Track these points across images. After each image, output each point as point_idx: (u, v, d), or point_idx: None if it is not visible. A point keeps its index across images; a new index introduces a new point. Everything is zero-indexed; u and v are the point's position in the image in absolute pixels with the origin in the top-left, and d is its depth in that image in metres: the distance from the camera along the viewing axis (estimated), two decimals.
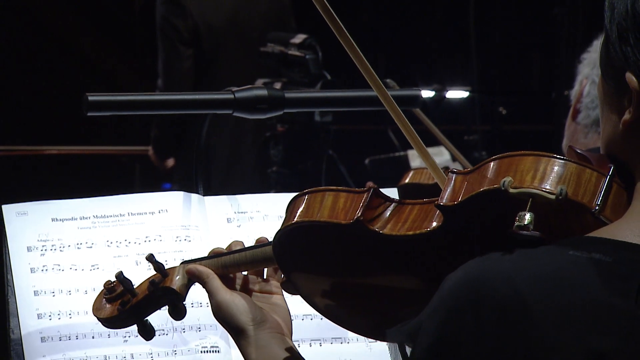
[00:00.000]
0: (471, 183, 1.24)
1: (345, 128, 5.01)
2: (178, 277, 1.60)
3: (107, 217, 1.81)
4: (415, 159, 4.16)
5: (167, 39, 4.23)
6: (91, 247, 1.78)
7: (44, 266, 1.76)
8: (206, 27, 4.24)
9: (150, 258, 1.61)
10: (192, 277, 1.59)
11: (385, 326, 1.44)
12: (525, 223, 1.15)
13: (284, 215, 1.47)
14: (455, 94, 4.46)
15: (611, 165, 1.21)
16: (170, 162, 4.34)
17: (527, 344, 1.08)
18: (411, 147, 4.47)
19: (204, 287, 1.58)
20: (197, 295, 1.73)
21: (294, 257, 1.45)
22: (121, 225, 1.81)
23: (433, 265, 1.33)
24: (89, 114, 1.80)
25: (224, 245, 1.82)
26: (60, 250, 1.78)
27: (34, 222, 1.78)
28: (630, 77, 1.19)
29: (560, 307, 1.09)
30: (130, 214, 1.81)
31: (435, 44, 6.58)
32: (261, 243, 1.59)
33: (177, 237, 1.80)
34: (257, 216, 1.84)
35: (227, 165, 4.29)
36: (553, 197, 1.16)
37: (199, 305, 1.75)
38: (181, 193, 1.83)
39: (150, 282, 1.59)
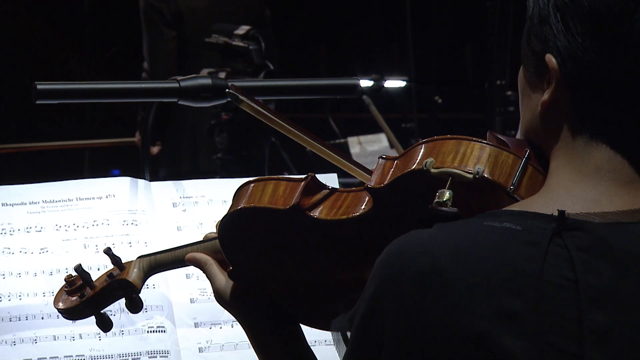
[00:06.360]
0: (398, 166, 1.30)
1: (288, 116, 5.05)
2: (135, 270, 1.61)
3: (56, 202, 1.82)
4: (355, 146, 4.22)
5: (151, 22, 4.24)
6: (40, 231, 1.79)
7: None
8: (188, 10, 4.26)
9: (108, 251, 1.62)
10: (192, 264, 1.58)
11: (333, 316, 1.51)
12: (444, 199, 1.21)
13: (228, 200, 1.52)
14: (393, 83, 4.52)
15: (527, 149, 1.26)
16: (155, 149, 4.35)
17: (443, 309, 1.13)
18: (351, 135, 4.52)
19: (204, 273, 1.56)
20: None
21: (238, 243, 1.48)
22: (70, 209, 1.81)
23: (371, 249, 1.34)
24: (37, 101, 1.80)
25: (171, 228, 1.86)
26: (10, 234, 1.78)
27: None
28: (549, 58, 1.22)
29: (473, 272, 1.13)
30: (78, 199, 1.82)
31: (374, 36, 6.65)
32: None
33: (124, 221, 1.81)
34: (201, 201, 1.86)
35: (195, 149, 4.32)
36: (471, 176, 1.23)
37: (146, 287, 1.73)
38: (128, 179, 1.84)
39: (108, 275, 1.61)
